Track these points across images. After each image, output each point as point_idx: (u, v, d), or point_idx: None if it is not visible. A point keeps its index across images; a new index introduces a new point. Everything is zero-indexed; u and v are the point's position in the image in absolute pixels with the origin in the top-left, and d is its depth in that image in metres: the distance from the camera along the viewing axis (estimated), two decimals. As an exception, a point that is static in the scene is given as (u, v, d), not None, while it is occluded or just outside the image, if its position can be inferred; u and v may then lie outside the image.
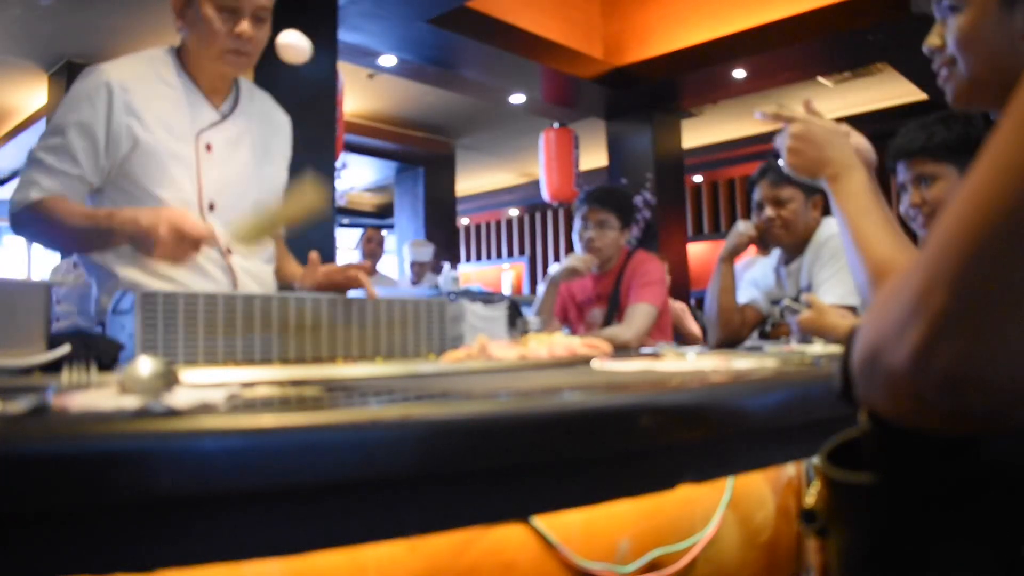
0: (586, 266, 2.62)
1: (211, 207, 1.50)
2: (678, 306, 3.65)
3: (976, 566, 0.42)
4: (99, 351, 0.97)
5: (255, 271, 1.59)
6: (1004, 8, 0.89)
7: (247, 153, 1.59)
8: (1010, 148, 0.35)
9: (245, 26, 1.46)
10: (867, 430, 0.46)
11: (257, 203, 1.61)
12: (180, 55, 1.54)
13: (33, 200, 1.41)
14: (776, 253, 2.36)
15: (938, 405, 0.37)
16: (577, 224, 2.74)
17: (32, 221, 1.44)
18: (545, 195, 6.49)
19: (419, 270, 5.51)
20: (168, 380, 0.58)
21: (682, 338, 3.59)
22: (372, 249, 5.36)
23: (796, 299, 1.99)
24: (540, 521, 0.86)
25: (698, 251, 8.21)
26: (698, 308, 5.43)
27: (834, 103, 6.92)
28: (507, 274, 10.89)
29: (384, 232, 5.88)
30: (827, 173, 1.14)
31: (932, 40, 1.01)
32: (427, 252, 5.59)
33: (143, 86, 1.46)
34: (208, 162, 1.50)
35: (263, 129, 1.64)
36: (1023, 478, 0.41)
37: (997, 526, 0.41)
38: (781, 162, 1.21)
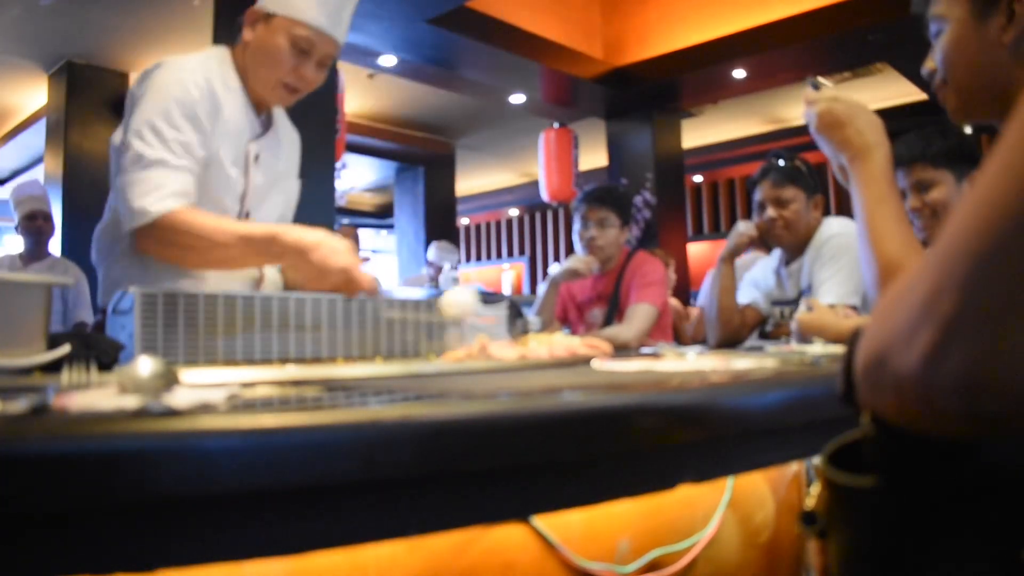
0: (587, 267, 2.62)
1: (247, 215, 1.51)
2: (674, 304, 3.66)
3: (976, 570, 0.42)
4: (99, 351, 0.97)
5: (274, 278, 1.60)
6: (978, 21, 0.91)
7: (283, 162, 1.59)
8: (1017, 151, 0.35)
9: (310, 70, 1.45)
10: (869, 433, 0.46)
11: (282, 216, 1.62)
12: (234, 59, 1.50)
13: (169, 210, 1.29)
14: (776, 254, 2.36)
15: (948, 409, 0.37)
16: (577, 224, 2.74)
17: (168, 234, 1.31)
18: (544, 195, 6.49)
19: (437, 273, 5.51)
20: (168, 380, 0.58)
21: (678, 338, 3.60)
22: None
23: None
24: (540, 521, 0.86)
25: (698, 251, 8.21)
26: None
27: (834, 103, 6.91)
28: (507, 274, 10.89)
29: (384, 232, 5.90)
30: (849, 152, 1.13)
31: (928, 64, 1.03)
32: (452, 258, 5.58)
33: (216, 86, 1.43)
34: (254, 171, 1.50)
35: (286, 144, 1.64)
36: (1023, 481, 0.41)
37: (997, 529, 0.41)
38: (821, 144, 1.20)
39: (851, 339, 0.46)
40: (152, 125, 1.34)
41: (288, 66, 1.43)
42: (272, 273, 1.57)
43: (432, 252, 5.70)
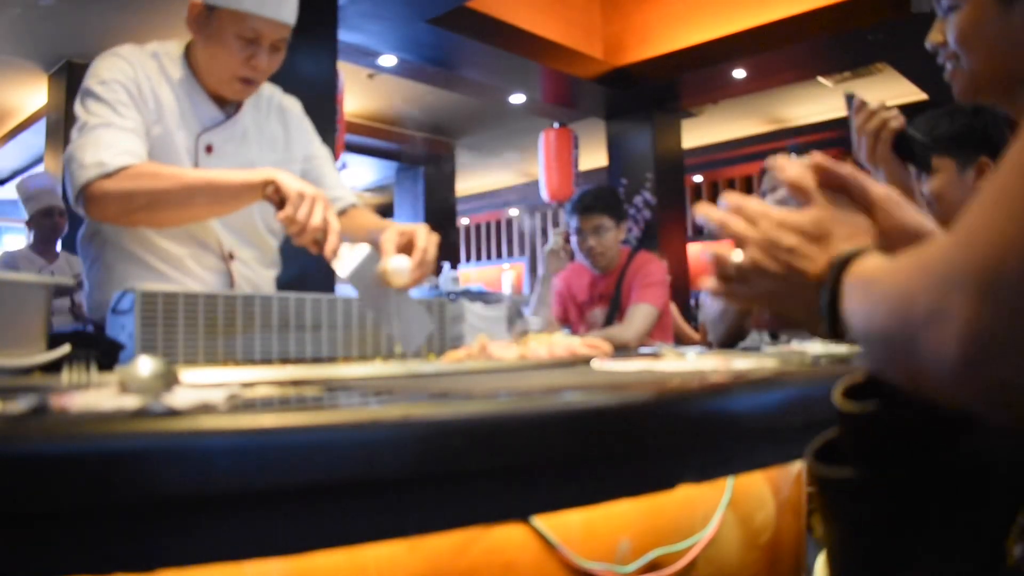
0: (559, 243, 2.77)
1: None
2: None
3: (961, 559, 0.42)
4: (99, 351, 0.96)
5: (255, 279, 1.57)
6: (1003, 4, 0.89)
7: (255, 150, 1.54)
8: None
9: (262, 59, 1.41)
10: (844, 428, 0.46)
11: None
12: (188, 52, 1.48)
13: (127, 164, 1.28)
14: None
15: (981, 393, 0.36)
16: (573, 237, 2.74)
17: (128, 184, 1.27)
18: (544, 195, 6.50)
19: (436, 272, 5.50)
20: (168, 380, 0.58)
21: (679, 338, 3.61)
22: None
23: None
24: (540, 521, 0.86)
25: (698, 251, 8.20)
26: (698, 308, 5.43)
27: (834, 103, 6.92)
28: (507, 274, 10.89)
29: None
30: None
31: (934, 36, 1.01)
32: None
33: (152, 76, 1.43)
34: (209, 164, 1.46)
35: (274, 120, 1.58)
36: (1006, 472, 0.41)
37: (981, 519, 0.42)
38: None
39: (835, 268, 0.46)
40: (91, 93, 1.36)
41: (240, 59, 1.39)
42: (244, 271, 1.54)
43: None
